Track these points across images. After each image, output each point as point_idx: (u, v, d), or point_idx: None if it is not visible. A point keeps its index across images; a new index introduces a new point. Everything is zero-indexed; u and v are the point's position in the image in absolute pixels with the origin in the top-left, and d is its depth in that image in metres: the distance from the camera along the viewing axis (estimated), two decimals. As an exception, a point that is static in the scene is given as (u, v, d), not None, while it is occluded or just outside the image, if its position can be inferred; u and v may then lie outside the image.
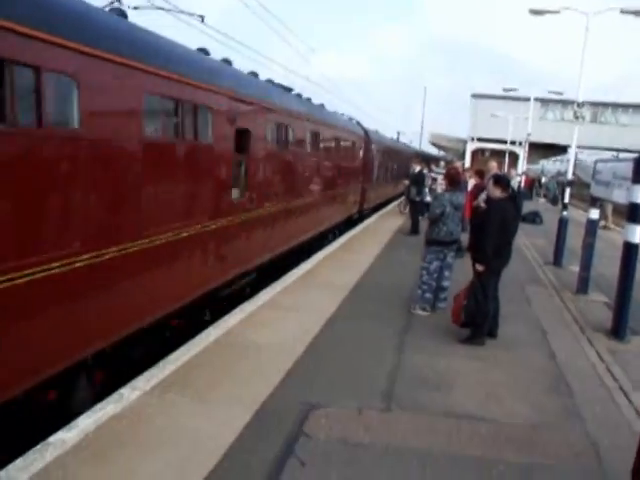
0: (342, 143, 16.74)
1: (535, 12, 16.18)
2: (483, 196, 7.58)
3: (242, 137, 8.49)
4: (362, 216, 20.77)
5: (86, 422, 4.56)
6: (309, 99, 14.52)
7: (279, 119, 10.54)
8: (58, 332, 4.83)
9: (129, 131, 5.64)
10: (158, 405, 4.96)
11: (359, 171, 19.56)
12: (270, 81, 11.67)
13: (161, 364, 5.84)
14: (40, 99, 4.37)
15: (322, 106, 16.02)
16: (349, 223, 18.68)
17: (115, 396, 5.07)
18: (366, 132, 21.01)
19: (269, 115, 9.93)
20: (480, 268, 7.10)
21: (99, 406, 4.86)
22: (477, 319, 7.09)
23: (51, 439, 4.29)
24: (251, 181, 9.12)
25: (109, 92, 5.26)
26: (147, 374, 5.58)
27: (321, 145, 14.07)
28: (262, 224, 9.73)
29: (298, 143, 12.04)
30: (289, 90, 12.67)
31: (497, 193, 7.22)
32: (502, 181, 7.40)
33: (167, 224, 6.43)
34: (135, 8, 9.58)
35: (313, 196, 13.39)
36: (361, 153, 19.76)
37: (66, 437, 4.32)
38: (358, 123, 20.81)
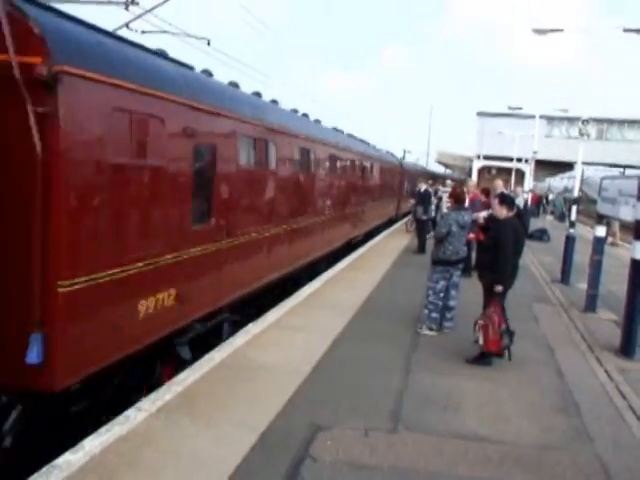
0: (388, 170, 25.50)
1: (538, 31, 16.30)
2: (484, 213, 7.59)
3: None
4: (397, 217, 28.83)
5: (92, 444, 4.55)
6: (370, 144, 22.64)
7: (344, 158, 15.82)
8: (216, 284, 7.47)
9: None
10: (164, 427, 4.95)
11: (396, 188, 28.16)
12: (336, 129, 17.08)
13: (167, 386, 5.84)
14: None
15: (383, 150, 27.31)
16: (389, 222, 26.50)
17: (121, 418, 5.06)
18: (400, 162, 31.32)
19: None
20: (499, 289, 7.06)
21: (105, 428, 4.85)
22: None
23: (57, 461, 4.29)
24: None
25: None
26: (153, 396, 5.57)
27: (379, 172, 22.53)
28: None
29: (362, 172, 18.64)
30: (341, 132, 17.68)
31: (503, 212, 7.25)
32: (506, 200, 7.42)
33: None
34: (143, 32, 9.77)
35: (374, 201, 21.29)
36: (397, 176, 28.39)
37: (72, 459, 4.31)
38: (393, 155, 30.49)
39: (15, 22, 4.28)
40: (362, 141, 20.58)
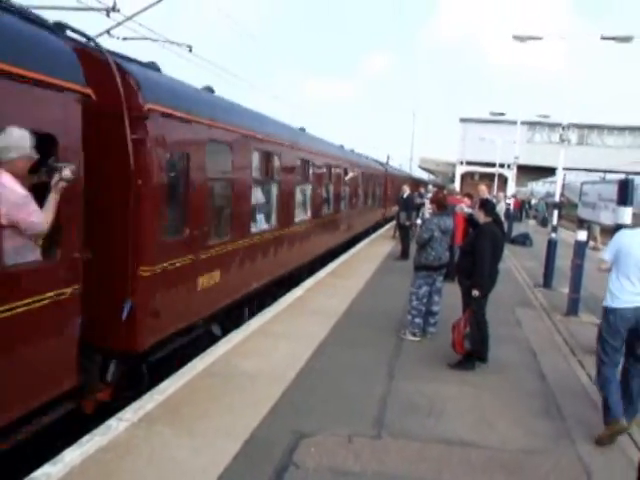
0: (375, 176, 26.40)
1: (518, 38, 16.48)
2: (467, 209, 7.66)
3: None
4: (385, 220, 29.89)
5: (72, 455, 4.49)
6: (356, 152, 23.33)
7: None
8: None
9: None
10: (145, 437, 4.90)
11: (383, 193, 28.95)
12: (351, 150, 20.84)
13: (148, 395, 5.79)
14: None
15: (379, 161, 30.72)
16: (377, 225, 27.70)
17: (102, 428, 5.00)
18: (385, 168, 31.57)
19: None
20: (477, 293, 7.11)
21: (86, 438, 4.79)
22: (480, 345, 7.09)
23: (36, 473, 4.22)
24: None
25: None
26: (135, 405, 5.52)
27: (369, 179, 24.04)
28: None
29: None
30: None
31: (481, 217, 7.36)
32: (485, 206, 7.51)
33: None
34: (124, 39, 9.71)
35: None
36: (383, 181, 29.08)
37: (52, 471, 4.25)
38: (379, 162, 30.78)
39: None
40: (352, 151, 22.35)
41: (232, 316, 8.94)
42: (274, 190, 10.77)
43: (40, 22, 4.94)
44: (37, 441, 4.84)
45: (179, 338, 7.10)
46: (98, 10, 8.68)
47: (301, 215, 12.81)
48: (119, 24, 8.90)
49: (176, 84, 7.37)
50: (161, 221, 6.44)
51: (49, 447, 4.92)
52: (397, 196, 20.75)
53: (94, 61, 5.59)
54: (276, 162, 10.75)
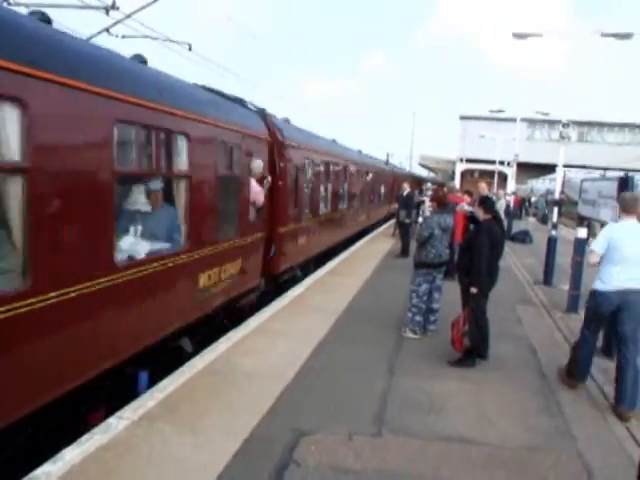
0: (384, 175, 30.06)
1: (518, 36, 16.44)
2: (468, 208, 7.66)
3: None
4: (392, 214, 30.47)
5: (72, 454, 4.48)
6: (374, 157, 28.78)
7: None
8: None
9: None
10: (146, 435, 4.90)
11: (389, 190, 31.06)
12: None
13: (148, 393, 5.78)
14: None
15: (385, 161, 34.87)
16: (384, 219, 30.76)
17: (102, 426, 5.00)
18: (391, 167, 35.74)
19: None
20: (475, 290, 7.11)
21: (86, 437, 4.78)
22: (479, 343, 7.09)
23: (37, 472, 4.22)
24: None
25: None
26: (134, 404, 5.51)
27: (380, 178, 27.86)
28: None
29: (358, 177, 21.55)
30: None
31: (481, 214, 7.36)
32: (485, 203, 7.50)
33: None
34: (124, 37, 9.71)
35: (377, 202, 27.07)
36: (390, 180, 32.10)
37: (52, 470, 4.25)
38: (385, 162, 34.52)
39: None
40: (368, 155, 26.80)
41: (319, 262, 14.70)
42: (344, 188, 17.85)
43: (232, 98, 9.55)
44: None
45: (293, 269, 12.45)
46: (97, 8, 8.68)
47: (348, 203, 18.68)
48: (118, 21, 8.90)
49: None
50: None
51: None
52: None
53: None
54: (344, 171, 17.67)
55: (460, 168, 50.56)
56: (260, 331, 8.23)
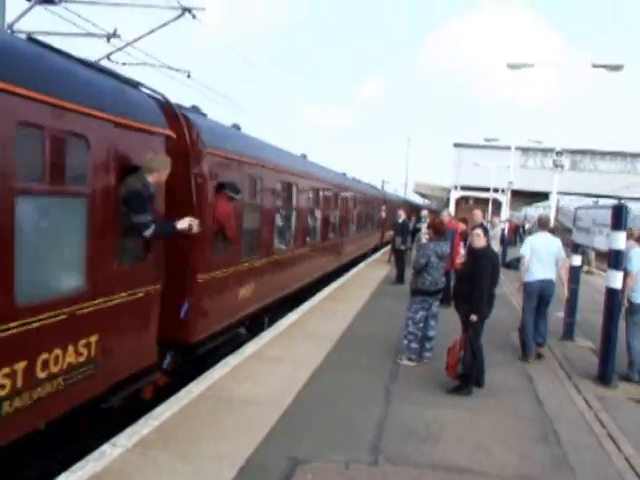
0: (375, 201, 29.38)
1: (512, 66, 16.76)
2: (462, 253, 7.78)
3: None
4: (382, 244, 31.39)
5: (66, 482, 4.43)
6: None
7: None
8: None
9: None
10: (140, 463, 4.84)
11: (381, 218, 30.20)
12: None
13: (143, 420, 5.73)
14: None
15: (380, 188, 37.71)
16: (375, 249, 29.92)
17: (96, 454, 4.94)
18: (383, 195, 34.90)
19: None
20: (475, 318, 7.13)
21: (79, 465, 4.73)
22: (473, 370, 7.08)
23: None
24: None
25: None
26: (129, 430, 5.46)
27: (368, 204, 26.50)
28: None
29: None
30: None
31: (482, 241, 7.45)
32: (486, 231, 7.66)
33: None
34: (124, 64, 9.82)
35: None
36: (382, 207, 30.58)
37: (44, 499, 4.19)
38: (376, 188, 35.38)
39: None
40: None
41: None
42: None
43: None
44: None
45: None
46: (99, 36, 8.81)
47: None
48: (119, 49, 9.02)
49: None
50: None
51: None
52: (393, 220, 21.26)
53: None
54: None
55: (455, 195, 50.84)
56: (256, 357, 8.18)
